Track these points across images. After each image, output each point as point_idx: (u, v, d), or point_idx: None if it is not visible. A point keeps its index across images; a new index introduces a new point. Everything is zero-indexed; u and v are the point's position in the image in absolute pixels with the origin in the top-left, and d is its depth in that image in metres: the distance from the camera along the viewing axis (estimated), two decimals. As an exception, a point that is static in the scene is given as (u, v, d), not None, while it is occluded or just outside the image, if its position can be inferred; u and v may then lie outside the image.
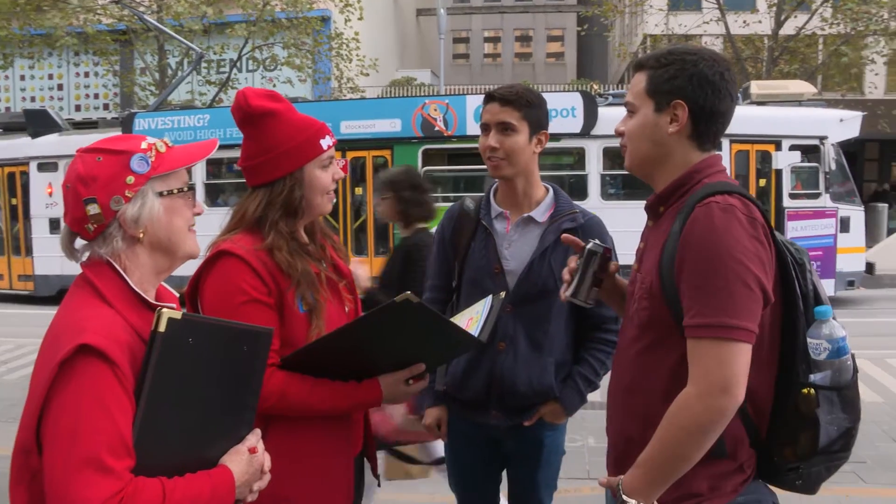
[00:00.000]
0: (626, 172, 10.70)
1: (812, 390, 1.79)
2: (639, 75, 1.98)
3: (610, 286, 2.17)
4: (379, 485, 2.42)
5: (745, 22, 20.38)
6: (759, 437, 1.86)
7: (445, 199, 13.26)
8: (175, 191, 1.70)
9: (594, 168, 12.53)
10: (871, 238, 16.48)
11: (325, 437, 2.10)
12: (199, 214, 1.78)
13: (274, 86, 19.74)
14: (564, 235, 2.23)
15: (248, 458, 1.66)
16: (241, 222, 2.13)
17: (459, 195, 13.09)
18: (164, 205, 1.67)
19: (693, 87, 1.89)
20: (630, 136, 1.99)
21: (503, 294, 2.34)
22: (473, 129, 12.48)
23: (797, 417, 1.81)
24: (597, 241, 2.12)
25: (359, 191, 13.43)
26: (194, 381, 1.58)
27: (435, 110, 12.87)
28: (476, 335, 2.15)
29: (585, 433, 5.83)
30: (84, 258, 1.68)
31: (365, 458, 2.36)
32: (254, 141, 2.14)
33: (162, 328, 1.50)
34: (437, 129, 12.80)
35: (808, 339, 1.81)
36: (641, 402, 1.91)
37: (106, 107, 23.70)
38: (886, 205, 20.70)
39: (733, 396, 1.71)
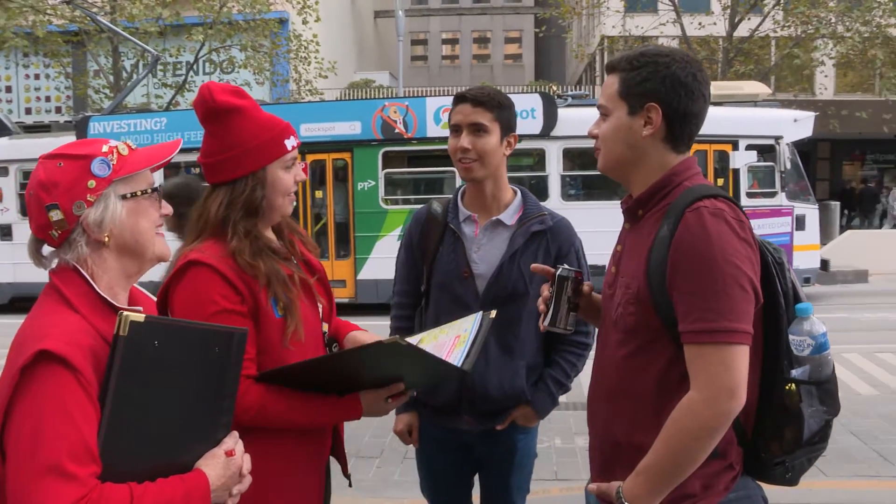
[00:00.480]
0: (587, 173, 10.80)
1: (793, 385, 1.82)
2: (611, 78, 1.97)
3: (585, 303, 2.17)
4: (350, 485, 2.38)
5: (700, 24, 20.68)
6: (746, 435, 1.89)
7: (406, 202, 13.25)
8: (139, 192, 1.68)
9: (554, 169, 12.58)
10: (825, 235, 16.83)
11: (297, 445, 2.07)
12: (166, 215, 1.75)
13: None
14: (534, 265, 2.22)
15: (225, 462, 1.63)
16: (206, 226, 2.07)
17: (420, 197, 13.12)
18: (128, 207, 1.65)
19: (666, 90, 1.88)
20: (604, 139, 1.99)
21: (494, 313, 2.31)
22: (434, 131, 12.46)
23: (782, 413, 1.84)
24: (566, 266, 2.11)
25: (319, 194, 13.32)
26: (162, 384, 1.54)
27: (395, 112, 12.82)
28: (462, 358, 2.10)
29: (552, 434, 5.84)
30: (52, 265, 1.66)
31: (335, 458, 2.31)
32: (216, 137, 2.08)
33: (123, 332, 1.47)
34: (397, 131, 12.74)
35: (791, 336, 1.83)
36: (628, 406, 1.91)
37: (59, 110, 23.21)
38: (839, 203, 21.17)
39: (739, 399, 1.73)
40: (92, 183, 1.61)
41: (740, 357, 1.73)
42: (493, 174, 2.64)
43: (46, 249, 1.67)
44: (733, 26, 19.55)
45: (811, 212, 13.08)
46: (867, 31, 18.74)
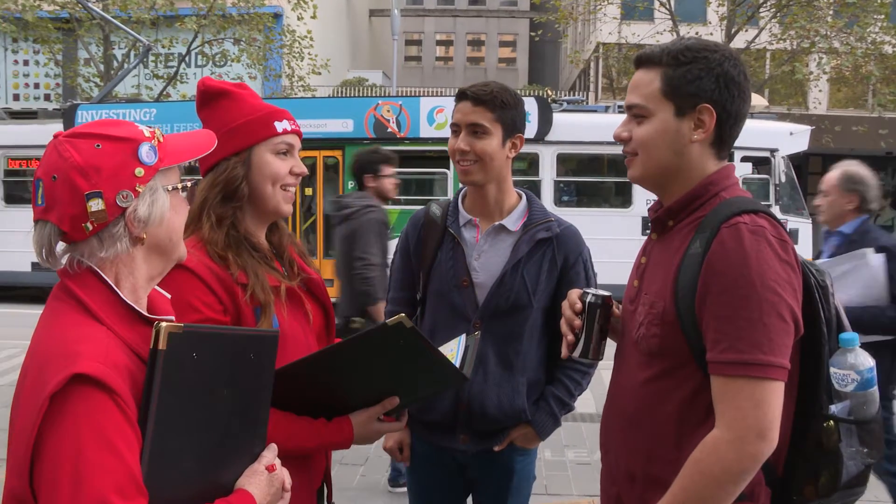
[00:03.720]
0: (580, 179, 10.57)
1: (832, 423, 1.65)
2: (647, 73, 1.76)
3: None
4: None
5: (696, 33, 20.59)
6: (776, 474, 1.71)
7: (396, 202, 13.07)
8: (179, 186, 1.48)
9: (548, 174, 12.47)
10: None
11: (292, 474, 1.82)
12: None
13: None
14: (571, 301, 1.96)
15: (268, 478, 1.49)
16: (192, 222, 1.89)
17: (412, 199, 12.98)
18: (171, 202, 1.46)
19: (720, 90, 1.70)
20: (644, 143, 1.77)
21: (478, 334, 2.15)
22: (427, 131, 12.33)
23: (818, 452, 1.67)
24: (594, 292, 1.91)
25: (308, 191, 13.15)
26: (202, 399, 1.39)
27: (388, 111, 12.68)
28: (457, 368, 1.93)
29: (542, 446, 5.65)
30: (66, 264, 1.41)
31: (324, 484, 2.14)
32: (206, 123, 1.93)
33: (163, 345, 1.31)
34: (389, 130, 12.60)
35: (832, 369, 1.66)
36: (646, 436, 1.73)
37: (47, 97, 22.87)
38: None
39: (769, 441, 1.56)
40: (140, 171, 1.39)
41: (774, 395, 1.56)
42: (495, 178, 2.46)
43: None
44: (730, 37, 19.47)
45: (804, 226, 13.00)
46: (862, 48, 18.72)
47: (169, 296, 1.60)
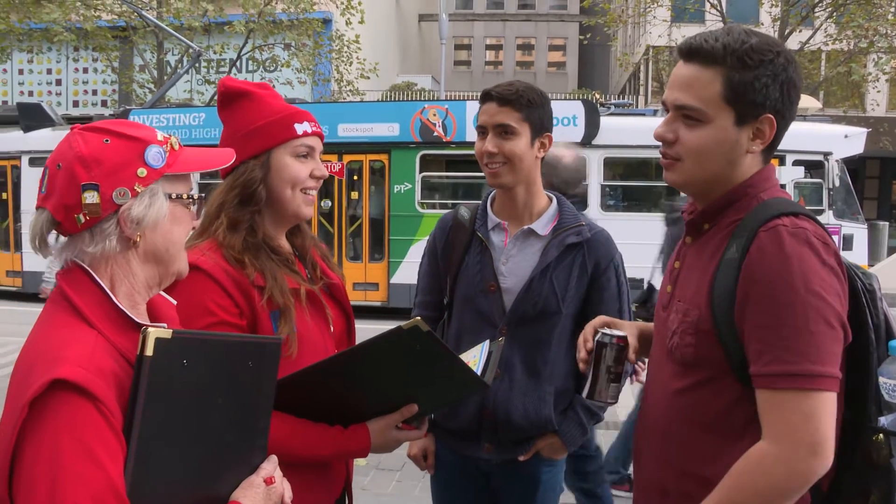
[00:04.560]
0: (628, 183, 10.33)
1: (882, 436, 1.55)
2: (704, 71, 1.59)
3: (646, 337, 1.90)
4: None
5: (749, 35, 20.24)
6: (821, 490, 1.60)
7: (443, 206, 13.08)
8: (184, 196, 1.45)
9: (595, 179, 12.31)
10: (873, 256, 16.33)
11: (302, 483, 1.72)
12: (195, 229, 1.56)
13: (273, 87, 19.45)
14: (579, 343, 1.94)
15: (266, 491, 1.43)
16: (209, 226, 1.88)
17: (457, 202, 12.96)
18: (171, 210, 1.43)
19: (783, 98, 1.58)
20: (696, 151, 1.63)
21: (502, 340, 2.09)
22: (473, 135, 12.07)
23: (868, 468, 1.56)
24: (605, 331, 1.84)
25: (354, 195, 13.20)
26: (194, 408, 1.34)
27: (434, 115, 12.67)
28: (479, 374, 1.88)
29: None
30: (60, 260, 1.40)
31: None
32: (226, 125, 1.91)
33: (149, 351, 1.27)
34: (435, 134, 12.59)
35: (882, 379, 1.56)
36: (678, 449, 1.65)
37: (104, 103, 23.44)
38: (887, 223, 20.57)
39: (823, 457, 1.46)
40: (143, 171, 1.38)
41: (826, 407, 1.46)
42: (524, 179, 2.40)
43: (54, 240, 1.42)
44: (783, 38, 19.08)
45: (859, 231, 12.64)
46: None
47: (175, 302, 1.58)
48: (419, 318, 1.67)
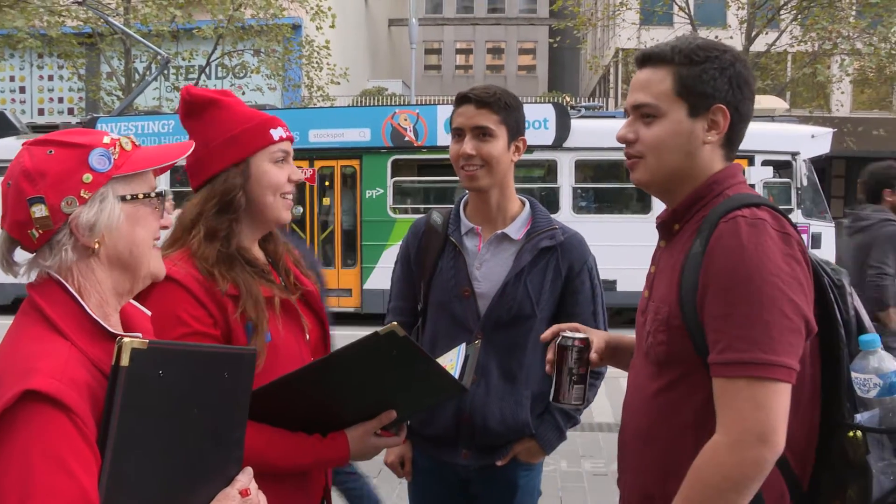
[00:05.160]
0: (599, 185, 10.41)
1: (859, 433, 1.54)
2: (656, 72, 1.68)
3: (614, 344, 1.92)
4: None
5: (716, 37, 20.43)
6: (801, 489, 1.61)
7: (415, 211, 13.06)
8: (140, 196, 1.42)
9: (566, 181, 12.38)
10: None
11: (280, 493, 1.73)
12: (165, 228, 1.50)
13: (243, 93, 19.26)
14: (543, 335, 1.97)
15: (241, 503, 1.41)
16: (183, 235, 1.85)
17: (429, 207, 12.93)
18: (127, 211, 1.40)
19: (733, 90, 1.64)
20: (654, 145, 1.68)
21: (478, 342, 2.08)
22: (444, 139, 12.26)
23: (845, 465, 1.56)
24: (566, 334, 1.87)
25: (326, 201, 13.14)
26: (169, 419, 1.32)
27: (405, 120, 12.65)
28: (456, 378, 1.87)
29: (558, 457, 5.57)
30: (30, 276, 1.38)
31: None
32: (195, 135, 1.87)
33: (125, 361, 1.24)
34: (406, 139, 12.58)
35: (853, 374, 1.56)
36: (660, 451, 1.65)
37: (71, 111, 23.13)
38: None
39: (773, 445, 1.46)
40: (88, 177, 1.35)
41: (777, 396, 1.46)
42: (499, 183, 2.40)
43: (21, 255, 1.41)
44: (750, 41, 19.30)
45: (827, 230, 12.80)
46: (886, 48, 18.48)
47: (149, 312, 1.55)
48: (395, 323, 1.65)
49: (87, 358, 1.31)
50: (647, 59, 1.71)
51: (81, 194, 1.35)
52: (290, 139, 1.95)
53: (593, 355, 1.87)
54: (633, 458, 1.75)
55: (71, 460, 1.20)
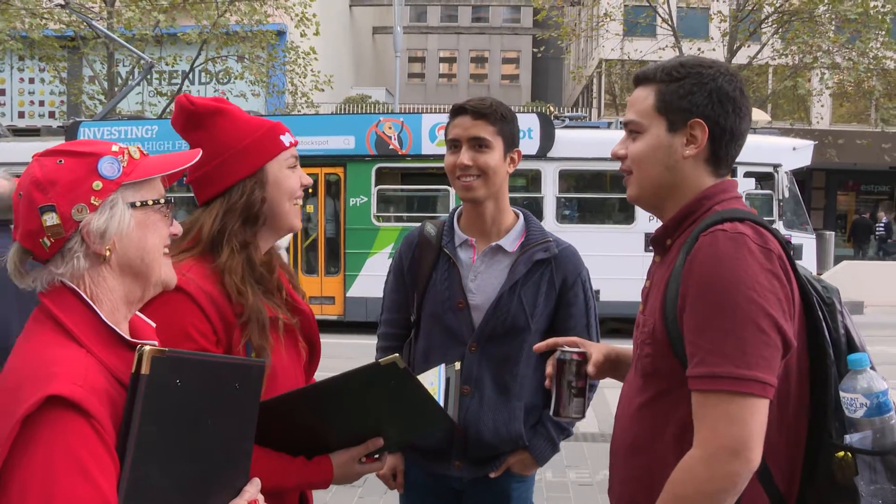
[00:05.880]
0: (583, 196, 10.48)
1: (848, 454, 1.53)
2: (643, 90, 1.74)
3: (614, 357, 1.93)
4: None
5: (699, 49, 20.59)
6: None
7: (399, 220, 13.07)
8: (150, 202, 1.43)
9: (550, 191, 12.42)
10: (821, 266, 16.69)
11: None
12: (175, 235, 1.50)
13: (227, 99, 19.21)
14: (537, 345, 2.00)
15: None
16: (197, 243, 1.80)
17: (413, 215, 12.96)
18: (137, 218, 1.41)
19: (713, 105, 1.66)
20: (637, 160, 1.73)
21: (458, 365, 2.09)
22: (428, 148, 12.32)
23: (831, 487, 1.54)
24: (565, 348, 1.88)
25: (310, 208, 13.10)
26: (185, 428, 1.33)
27: (390, 128, 12.66)
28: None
29: (543, 466, 5.59)
30: (42, 285, 1.38)
31: None
32: (203, 145, 1.81)
33: (145, 370, 1.26)
34: (391, 147, 12.57)
35: (842, 393, 1.55)
36: (646, 462, 1.65)
37: (52, 115, 22.96)
38: (833, 233, 21.06)
39: (746, 461, 1.46)
40: (98, 184, 1.36)
41: (752, 411, 1.46)
42: (494, 194, 2.40)
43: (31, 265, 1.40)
44: (732, 53, 19.48)
45: (808, 241, 12.93)
46: (864, 63, 18.73)
47: (154, 324, 1.54)
48: (397, 355, 1.65)
49: (103, 366, 1.32)
50: (638, 79, 1.78)
51: (92, 201, 1.36)
52: (296, 144, 1.95)
53: (590, 368, 1.88)
54: (621, 468, 1.76)
55: (92, 466, 1.21)
